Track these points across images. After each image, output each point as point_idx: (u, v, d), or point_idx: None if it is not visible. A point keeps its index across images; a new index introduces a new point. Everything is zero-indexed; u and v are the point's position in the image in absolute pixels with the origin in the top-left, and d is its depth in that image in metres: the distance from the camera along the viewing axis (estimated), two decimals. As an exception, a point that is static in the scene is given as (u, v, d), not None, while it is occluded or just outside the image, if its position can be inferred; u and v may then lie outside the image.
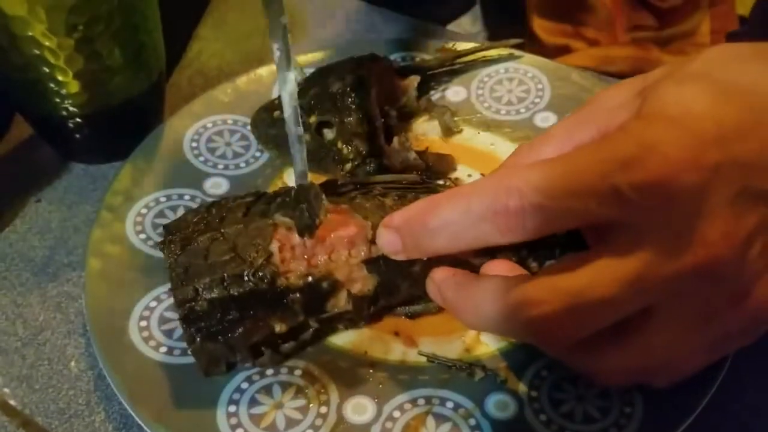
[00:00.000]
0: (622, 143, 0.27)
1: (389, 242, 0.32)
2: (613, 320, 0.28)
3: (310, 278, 0.33)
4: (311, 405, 0.33)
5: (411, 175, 0.40)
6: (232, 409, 0.33)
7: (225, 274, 0.33)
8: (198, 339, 0.33)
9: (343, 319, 0.35)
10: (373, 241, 0.34)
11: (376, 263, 0.34)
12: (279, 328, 0.34)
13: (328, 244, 0.34)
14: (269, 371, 0.34)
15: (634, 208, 0.26)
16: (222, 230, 0.34)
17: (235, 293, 0.32)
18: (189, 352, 0.33)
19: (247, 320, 0.33)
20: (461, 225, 0.29)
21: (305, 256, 0.33)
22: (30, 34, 0.40)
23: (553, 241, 0.34)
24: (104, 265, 0.38)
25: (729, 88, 0.28)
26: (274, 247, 0.33)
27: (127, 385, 0.33)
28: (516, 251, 0.34)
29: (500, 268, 0.33)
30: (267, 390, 0.34)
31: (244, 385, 0.34)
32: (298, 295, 0.33)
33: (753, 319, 0.29)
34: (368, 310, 0.35)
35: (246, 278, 0.33)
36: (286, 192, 0.36)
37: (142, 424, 0.33)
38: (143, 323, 0.36)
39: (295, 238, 0.34)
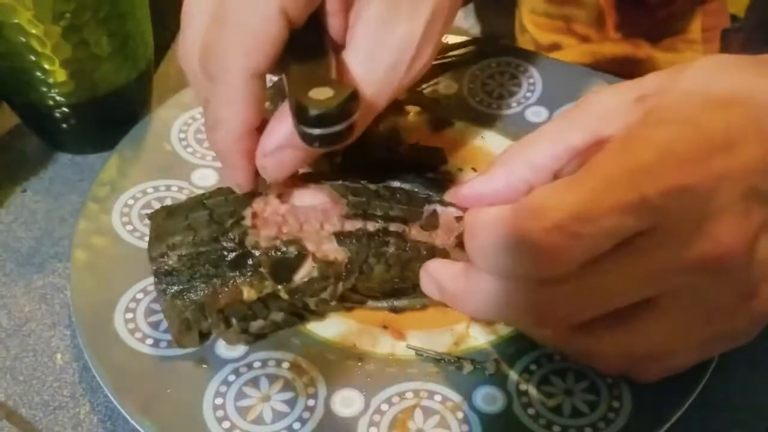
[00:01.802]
0: (639, 151, 0.27)
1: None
2: (615, 306, 0.28)
3: (278, 242, 0.34)
4: (299, 398, 0.33)
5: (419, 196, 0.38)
6: (219, 401, 0.33)
7: (197, 233, 0.34)
8: (168, 296, 0.33)
9: (313, 291, 0.35)
10: (347, 217, 0.34)
11: (348, 237, 0.34)
12: (247, 293, 0.34)
13: (301, 215, 0.34)
14: (257, 364, 0.34)
15: (658, 214, 0.27)
16: (204, 202, 0.35)
17: (203, 249, 0.33)
18: (161, 311, 0.34)
19: (215, 279, 0.33)
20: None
21: (278, 224, 0.34)
22: (16, 21, 0.39)
23: None
24: (90, 257, 0.38)
25: (726, 97, 0.29)
26: (248, 212, 0.34)
27: (112, 377, 0.33)
28: None
29: None
30: (254, 383, 0.34)
31: (231, 378, 0.34)
32: (265, 256, 0.33)
33: (755, 320, 0.30)
34: (337, 285, 0.35)
35: (216, 236, 0.34)
36: None
37: (127, 417, 0.32)
38: (129, 315, 0.36)
39: (270, 208, 0.34)
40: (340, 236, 0.34)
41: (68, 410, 0.36)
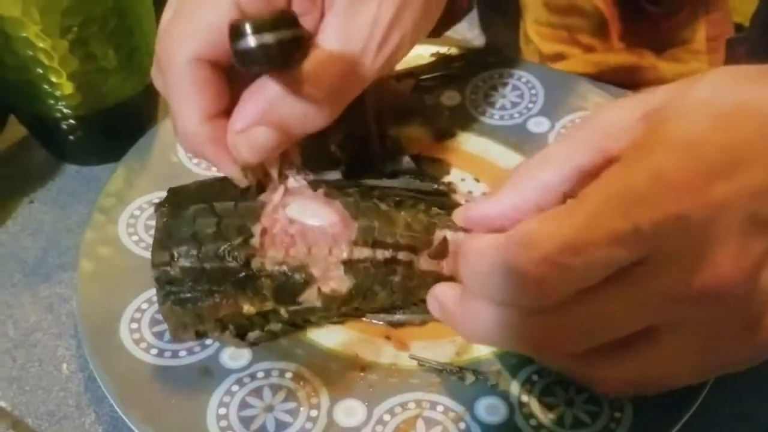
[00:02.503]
0: (633, 178, 0.27)
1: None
2: (611, 336, 0.28)
3: (284, 267, 0.34)
4: (301, 408, 0.33)
5: (426, 184, 0.39)
6: (222, 411, 0.33)
7: (202, 247, 0.33)
8: (168, 302, 0.33)
9: (314, 313, 0.35)
10: (356, 243, 0.34)
11: (355, 266, 0.34)
12: (247, 309, 0.34)
13: (310, 238, 0.34)
14: (260, 374, 0.34)
15: (652, 244, 0.26)
16: (214, 204, 0.35)
17: (208, 266, 0.33)
18: (159, 312, 0.34)
19: (216, 294, 0.33)
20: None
21: (285, 245, 0.34)
22: (24, 35, 0.40)
23: None
24: (96, 267, 0.38)
25: (735, 112, 0.28)
26: (257, 229, 0.34)
27: (118, 387, 0.33)
28: None
29: None
30: (257, 393, 0.34)
31: (235, 388, 0.34)
32: (269, 280, 0.33)
33: (760, 348, 0.29)
34: (339, 310, 0.35)
35: (221, 254, 0.33)
36: None
37: (132, 426, 0.32)
38: (134, 325, 0.36)
39: (280, 225, 0.34)
40: (348, 264, 0.34)
41: (73, 420, 0.36)
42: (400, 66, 0.48)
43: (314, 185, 0.36)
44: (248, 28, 0.28)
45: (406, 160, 0.42)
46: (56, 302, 0.40)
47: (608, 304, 0.27)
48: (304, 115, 0.32)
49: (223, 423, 0.33)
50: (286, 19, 0.29)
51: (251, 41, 0.28)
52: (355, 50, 0.33)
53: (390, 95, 0.46)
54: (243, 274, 0.33)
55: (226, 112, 0.33)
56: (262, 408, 0.33)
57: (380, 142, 0.43)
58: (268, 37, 0.28)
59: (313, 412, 0.33)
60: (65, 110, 0.43)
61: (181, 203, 0.35)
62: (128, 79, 0.44)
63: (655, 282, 0.27)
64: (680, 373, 0.30)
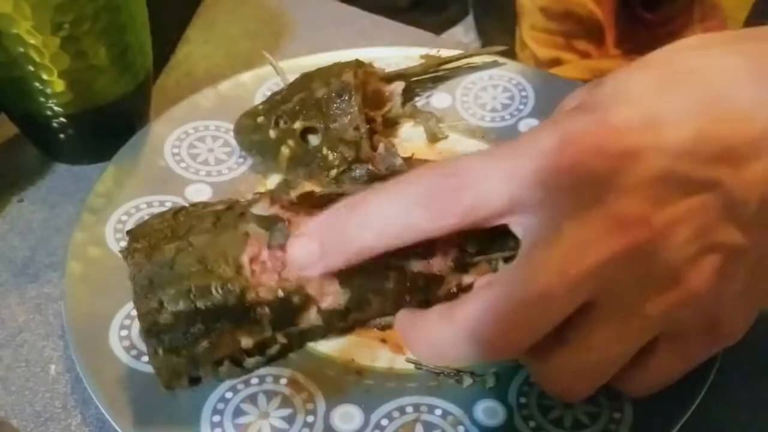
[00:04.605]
0: (545, 136, 0.27)
1: (303, 251, 0.31)
2: (555, 318, 0.27)
3: (281, 292, 0.32)
4: (298, 414, 0.32)
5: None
6: (216, 419, 0.32)
7: (192, 286, 0.31)
8: (160, 351, 0.31)
9: (313, 333, 0.34)
10: None
11: (350, 278, 0.33)
12: (245, 342, 0.32)
13: None
14: (254, 380, 0.34)
15: (552, 193, 0.26)
16: (190, 240, 0.32)
17: (202, 306, 0.31)
18: (150, 365, 0.32)
19: (212, 333, 0.32)
20: (390, 214, 0.28)
21: (277, 269, 0.32)
22: (15, 31, 0.39)
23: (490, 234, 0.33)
24: (85, 269, 0.37)
25: (675, 75, 0.28)
26: (245, 258, 0.32)
27: (106, 393, 0.33)
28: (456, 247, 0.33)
29: None
30: (252, 399, 0.33)
31: (229, 395, 0.33)
32: (267, 309, 0.32)
33: (696, 308, 0.28)
34: (338, 325, 0.34)
35: (214, 291, 0.31)
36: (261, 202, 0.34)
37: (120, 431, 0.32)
38: (124, 332, 0.35)
39: (267, 252, 0.32)
40: (342, 278, 0.32)
41: (59, 422, 0.35)
42: (390, 68, 0.48)
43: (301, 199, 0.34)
44: None
45: (398, 163, 0.42)
46: (44, 302, 0.40)
47: (538, 285, 0.26)
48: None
49: (218, 431, 0.32)
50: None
51: None
52: None
53: (380, 97, 0.46)
54: (240, 307, 0.32)
55: None
56: (257, 415, 0.32)
57: (371, 144, 0.43)
58: None
59: (310, 418, 0.32)
60: (56, 108, 0.43)
61: (151, 245, 0.32)
62: (120, 78, 0.43)
63: (571, 238, 0.26)
64: (629, 349, 0.28)
